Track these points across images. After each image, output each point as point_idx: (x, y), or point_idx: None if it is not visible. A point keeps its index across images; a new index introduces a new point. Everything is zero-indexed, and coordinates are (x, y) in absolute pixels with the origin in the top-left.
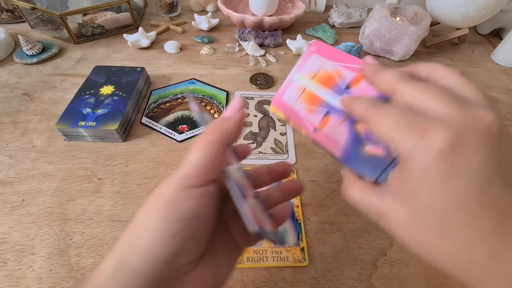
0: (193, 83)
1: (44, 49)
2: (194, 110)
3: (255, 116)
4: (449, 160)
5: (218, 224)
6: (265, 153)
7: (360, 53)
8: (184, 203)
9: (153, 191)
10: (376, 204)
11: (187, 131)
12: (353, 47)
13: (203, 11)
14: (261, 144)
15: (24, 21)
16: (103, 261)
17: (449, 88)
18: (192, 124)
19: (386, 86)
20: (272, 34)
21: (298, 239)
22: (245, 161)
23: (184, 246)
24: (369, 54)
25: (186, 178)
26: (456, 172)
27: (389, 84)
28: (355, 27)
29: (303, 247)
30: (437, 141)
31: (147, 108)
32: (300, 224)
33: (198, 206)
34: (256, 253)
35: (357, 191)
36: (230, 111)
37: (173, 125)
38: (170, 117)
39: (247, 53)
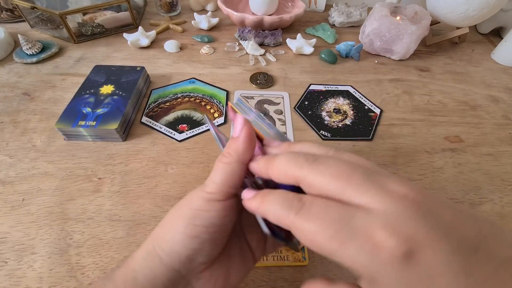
0: (193, 82)
1: (43, 49)
2: (213, 133)
3: None
4: None
5: (235, 232)
6: None
7: (360, 52)
8: (206, 213)
9: (183, 198)
10: None
11: (187, 130)
12: (353, 46)
13: (203, 10)
14: None
15: (23, 21)
16: (139, 248)
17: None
18: (192, 123)
19: (287, 178)
20: (272, 33)
21: None
22: None
23: (202, 247)
24: (369, 53)
25: (209, 193)
26: None
27: (291, 175)
28: (355, 26)
29: (303, 247)
30: None
31: (147, 108)
32: None
33: (217, 217)
34: None
35: None
36: (236, 129)
37: (173, 125)
38: (170, 117)
39: (247, 53)
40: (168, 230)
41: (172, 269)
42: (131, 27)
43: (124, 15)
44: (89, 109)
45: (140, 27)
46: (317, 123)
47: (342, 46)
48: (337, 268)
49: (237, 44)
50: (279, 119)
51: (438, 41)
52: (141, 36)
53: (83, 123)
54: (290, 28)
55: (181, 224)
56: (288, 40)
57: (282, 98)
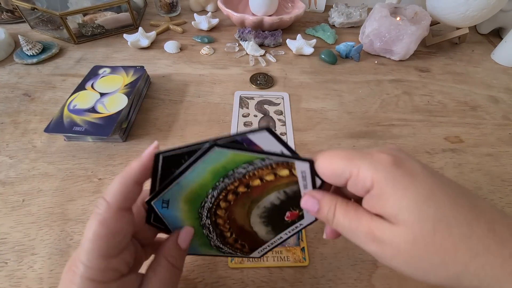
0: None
1: (44, 49)
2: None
3: (255, 116)
4: None
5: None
6: None
7: (360, 53)
8: None
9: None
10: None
11: None
12: (353, 47)
13: (203, 11)
14: None
15: (24, 21)
16: None
17: None
18: None
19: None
20: (272, 34)
21: (299, 239)
22: None
23: None
24: (369, 53)
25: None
26: None
27: None
28: (355, 26)
29: (304, 247)
30: None
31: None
32: None
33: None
34: None
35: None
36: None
37: None
38: None
39: (247, 53)
40: None
41: None
42: (131, 27)
43: (124, 16)
44: None
45: (140, 28)
46: None
47: (342, 47)
48: (337, 269)
49: (237, 44)
50: (279, 120)
51: (438, 42)
52: (141, 37)
53: None
54: (290, 29)
55: None
56: (288, 41)
57: (282, 98)
